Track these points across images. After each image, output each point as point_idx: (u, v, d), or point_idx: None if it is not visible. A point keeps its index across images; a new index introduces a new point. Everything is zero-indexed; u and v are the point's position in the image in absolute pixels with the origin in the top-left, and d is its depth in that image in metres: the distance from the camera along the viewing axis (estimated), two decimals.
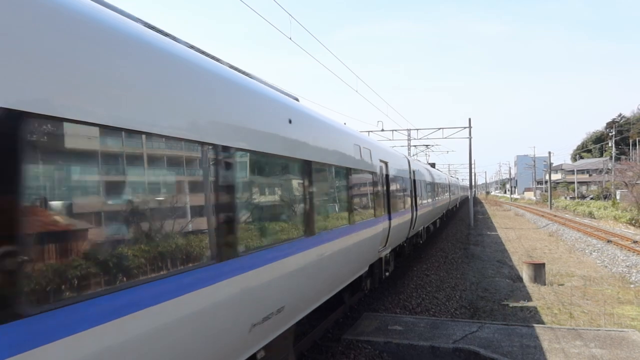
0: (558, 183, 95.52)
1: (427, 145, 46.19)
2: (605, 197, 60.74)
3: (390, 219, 11.28)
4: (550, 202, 63.38)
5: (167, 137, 3.48)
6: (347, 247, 7.84)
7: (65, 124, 2.70)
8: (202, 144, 3.88)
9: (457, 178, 65.23)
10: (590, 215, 44.89)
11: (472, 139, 37.39)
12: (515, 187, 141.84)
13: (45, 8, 2.65)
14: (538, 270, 15.73)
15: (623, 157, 66.11)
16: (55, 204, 2.77)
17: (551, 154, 67.64)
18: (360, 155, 9.02)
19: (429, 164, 19.27)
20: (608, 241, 24.88)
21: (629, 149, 72.91)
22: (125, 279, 3.05)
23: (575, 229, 32.09)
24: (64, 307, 2.60)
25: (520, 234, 33.02)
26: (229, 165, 4.26)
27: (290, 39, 10.31)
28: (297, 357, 7.14)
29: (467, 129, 37.20)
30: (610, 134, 75.03)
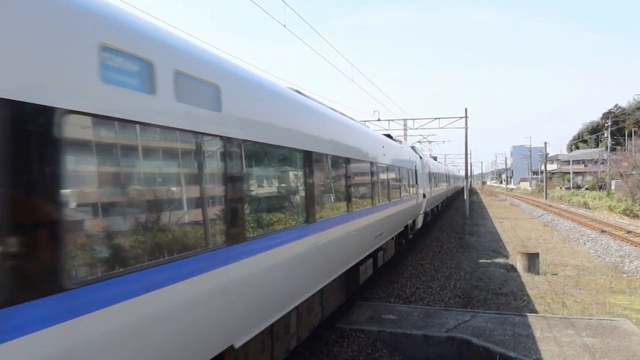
0: (554, 173, 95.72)
1: (423, 136, 46.13)
2: (600, 188, 60.92)
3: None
4: (546, 192, 63.55)
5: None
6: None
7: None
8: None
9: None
10: (585, 205, 45.05)
11: (468, 129, 37.35)
12: (511, 178, 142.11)
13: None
14: (532, 260, 15.80)
15: (619, 147, 66.21)
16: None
17: (547, 145, 67.72)
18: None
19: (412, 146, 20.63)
20: (602, 231, 24.99)
21: (625, 139, 73.02)
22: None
23: (570, 219, 32.21)
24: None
25: (515, 224, 33.14)
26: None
27: (284, 26, 10.23)
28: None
29: (464, 119, 37.15)
30: (606, 125, 75.11)
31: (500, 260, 18.40)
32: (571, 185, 75.86)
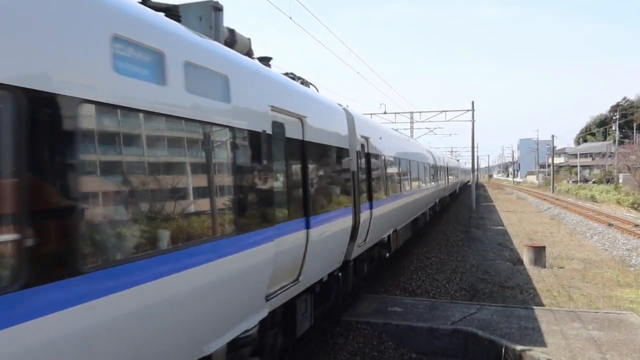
0: (561, 167, 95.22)
1: (430, 129, 45.97)
2: (607, 181, 60.58)
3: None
4: (553, 185, 63.26)
5: None
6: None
7: None
8: None
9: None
10: (592, 199, 44.82)
11: (475, 122, 37.20)
12: (517, 171, 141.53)
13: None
14: (538, 253, 15.74)
15: (627, 140, 65.72)
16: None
17: (554, 138, 67.36)
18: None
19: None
20: (609, 225, 24.86)
21: (633, 132, 72.45)
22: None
23: (577, 213, 32.07)
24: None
25: (522, 217, 33.02)
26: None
27: (290, 18, 10.20)
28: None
29: (470, 112, 36.99)
30: (614, 118, 74.54)
31: (507, 253, 18.35)
32: (578, 179, 75.49)
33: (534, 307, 9.83)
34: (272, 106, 5.32)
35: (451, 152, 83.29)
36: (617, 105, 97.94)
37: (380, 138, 11.17)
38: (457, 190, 47.92)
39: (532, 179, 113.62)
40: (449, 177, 33.09)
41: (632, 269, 15.86)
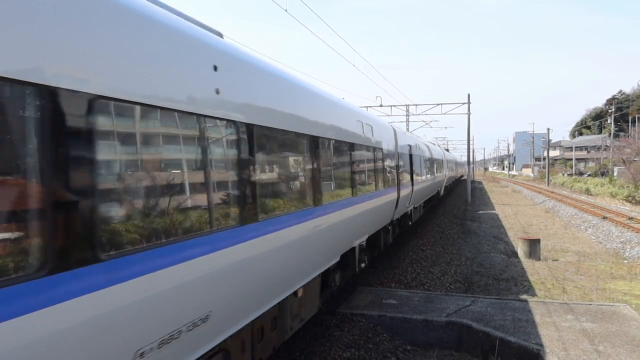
0: (556, 160, 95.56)
1: (425, 121, 45.98)
2: (602, 174, 60.87)
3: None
4: (548, 178, 63.50)
5: None
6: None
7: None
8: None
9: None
10: (587, 192, 45.02)
11: (471, 115, 37.23)
12: (513, 164, 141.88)
13: None
14: (533, 246, 15.84)
15: (622, 134, 65.95)
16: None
17: (550, 131, 67.53)
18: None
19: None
20: (604, 217, 25.00)
21: (628, 125, 72.71)
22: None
23: (572, 206, 32.21)
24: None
25: (517, 210, 33.17)
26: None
27: (286, 10, 10.14)
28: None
29: (466, 105, 37.01)
30: (609, 111, 74.78)
31: (502, 246, 18.45)
32: (573, 172, 75.80)
33: (528, 299, 9.89)
34: None
35: (447, 144, 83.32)
36: (613, 98, 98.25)
37: None
38: (442, 190, 34.03)
39: (527, 172, 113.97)
40: (422, 174, 18.72)
41: (625, 261, 15.98)
